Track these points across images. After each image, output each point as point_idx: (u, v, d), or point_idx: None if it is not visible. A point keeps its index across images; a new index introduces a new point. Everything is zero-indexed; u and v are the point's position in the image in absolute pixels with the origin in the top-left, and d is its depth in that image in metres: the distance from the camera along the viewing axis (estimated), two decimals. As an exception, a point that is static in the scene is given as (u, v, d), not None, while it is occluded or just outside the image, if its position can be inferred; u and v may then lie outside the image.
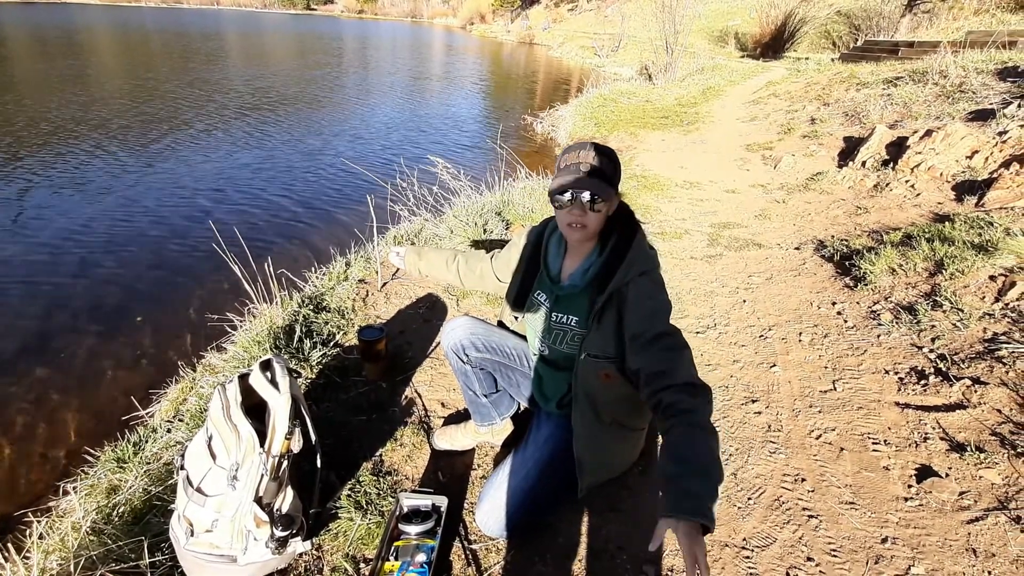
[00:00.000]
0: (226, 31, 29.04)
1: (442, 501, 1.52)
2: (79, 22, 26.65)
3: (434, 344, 2.43)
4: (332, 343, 2.35)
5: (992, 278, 2.44)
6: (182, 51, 17.64)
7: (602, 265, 1.32)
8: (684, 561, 0.86)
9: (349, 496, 1.59)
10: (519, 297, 1.50)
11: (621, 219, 1.33)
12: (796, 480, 1.69)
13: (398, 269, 3.15)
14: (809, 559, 1.43)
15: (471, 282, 1.74)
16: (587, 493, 1.48)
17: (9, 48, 15.65)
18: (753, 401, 2.07)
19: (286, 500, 1.33)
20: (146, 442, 2.01)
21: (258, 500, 1.26)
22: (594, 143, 1.26)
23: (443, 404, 2.07)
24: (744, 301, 2.84)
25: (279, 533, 1.28)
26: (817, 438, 1.86)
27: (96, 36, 21.19)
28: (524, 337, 1.63)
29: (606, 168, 1.23)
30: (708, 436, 1.02)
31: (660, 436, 1.09)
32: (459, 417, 1.97)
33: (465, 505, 1.62)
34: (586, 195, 1.21)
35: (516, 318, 1.55)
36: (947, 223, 3.09)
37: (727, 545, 1.48)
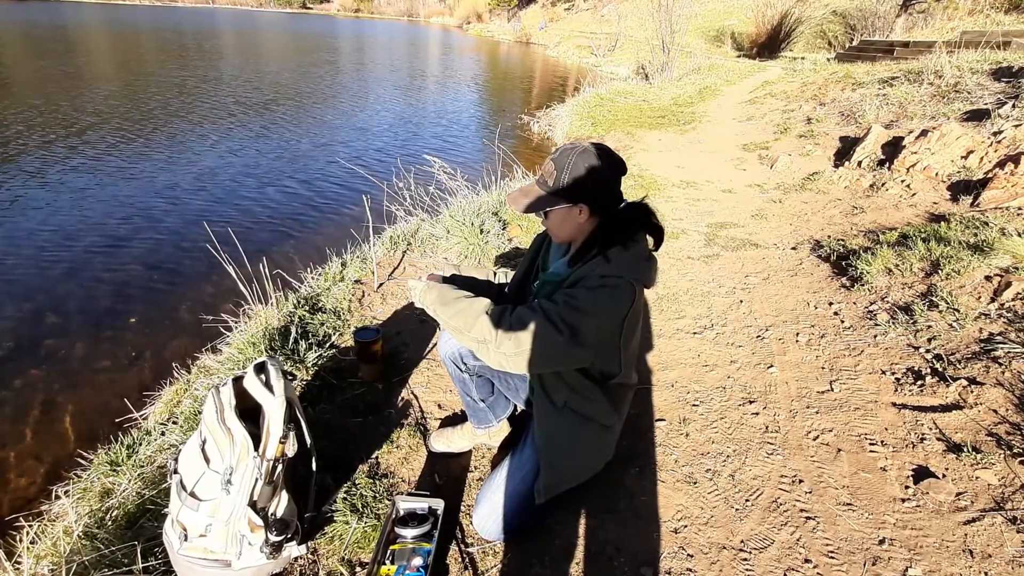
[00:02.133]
0: (222, 30, 28.92)
1: (439, 504, 1.51)
2: (74, 20, 26.47)
3: (431, 345, 2.42)
4: (328, 344, 2.33)
5: (988, 278, 2.44)
6: (177, 50, 17.55)
7: (588, 260, 1.31)
8: None
9: (345, 499, 1.58)
10: (520, 287, 1.54)
11: (620, 222, 1.31)
12: (794, 481, 1.69)
13: (394, 270, 3.14)
14: (807, 561, 1.43)
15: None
16: (545, 499, 1.43)
17: (4, 45, 15.53)
18: (751, 402, 2.06)
19: (281, 504, 1.32)
20: (140, 445, 1.99)
21: (252, 504, 1.25)
22: (573, 148, 1.25)
23: (440, 406, 2.06)
24: (741, 301, 2.84)
25: (274, 538, 1.27)
26: (815, 439, 1.86)
27: (91, 34, 21.05)
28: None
29: (550, 177, 1.27)
30: (485, 306, 1.25)
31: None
32: (456, 419, 1.97)
33: (462, 508, 1.61)
34: (517, 208, 1.31)
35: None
36: (943, 223, 3.10)
37: (724, 547, 1.48)
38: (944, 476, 1.63)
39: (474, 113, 10.90)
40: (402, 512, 1.49)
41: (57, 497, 1.84)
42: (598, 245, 1.29)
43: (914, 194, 3.89)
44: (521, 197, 1.31)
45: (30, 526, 1.51)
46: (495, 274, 1.74)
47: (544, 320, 1.19)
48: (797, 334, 2.49)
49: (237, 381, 1.34)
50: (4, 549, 1.42)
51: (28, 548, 1.41)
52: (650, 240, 1.34)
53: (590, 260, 1.28)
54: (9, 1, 36.08)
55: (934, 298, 2.43)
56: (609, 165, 1.25)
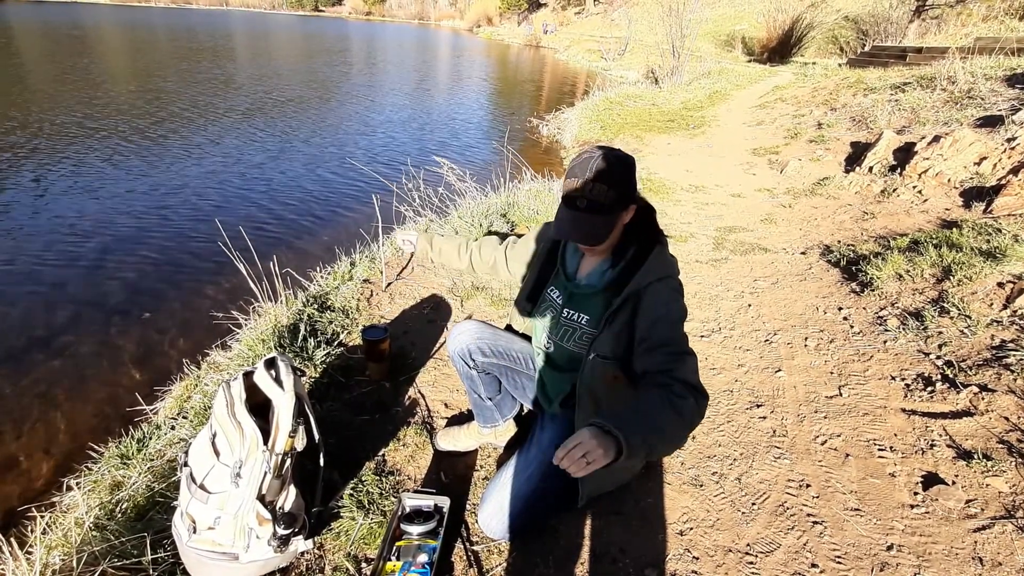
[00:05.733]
0: (235, 32, 29.23)
1: (444, 502, 1.51)
2: (89, 21, 26.86)
3: (438, 345, 2.43)
4: (336, 342, 2.35)
5: (1000, 285, 2.42)
6: (191, 51, 17.76)
7: (622, 269, 1.31)
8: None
9: (351, 495, 1.59)
10: (533, 293, 1.51)
11: (643, 224, 1.31)
12: (801, 486, 1.68)
13: (403, 269, 3.15)
14: (813, 565, 1.42)
15: (483, 271, 1.76)
16: (587, 501, 1.48)
17: (21, 45, 15.79)
18: (758, 406, 2.05)
19: (289, 498, 1.33)
20: (150, 439, 2.01)
21: (261, 498, 1.26)
22: (599, 157, 1.18)
23: (446, 405, 2.07)
24: (749, 305, 2.83)
25: (281, 531, 1.28)
26: (822, 444, 1.84)
27: (107, 35, 21.36)
28: (530, 339, 1.63)
29: (605, 198, 1.17)
30: (671, 406, 1.02)
31: None
32: (462, 418, 1.97)
33: (467, 506, 1.62)
34: (595, 243, 1.23)
35: (529, 312, 1.53)
36: (954, 229, 3.08)
37: (730, 550, 1.47)
38: (954, 483, 1.61)
39: (483, 115, 10.93)
40: (408, 509, 1.50)
41: (68, 489, 1.86)
42: (636, 242, 1.30)
43: (926, 200, 3.86)
44: (586, 233, 1.22)
45: (42, 516, 1.53)
46: (467, 244, 1.75)
47: (691, 357, 1.16)
48: (806, 339, 2.48)
49: (247, 376, 1.35)
50: (16, 539, 1.44)
51: (40, 538, 1.43)
52: None
53: (629, 260, 1.29)
54: (26, 2, 36.69)
55: (945, 304, 2.41)
56: (630, 160, 1.24)
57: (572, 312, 1.39)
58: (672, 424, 1.01)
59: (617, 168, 1.18)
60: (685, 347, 1.18)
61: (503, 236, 1.78)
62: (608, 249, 1.33)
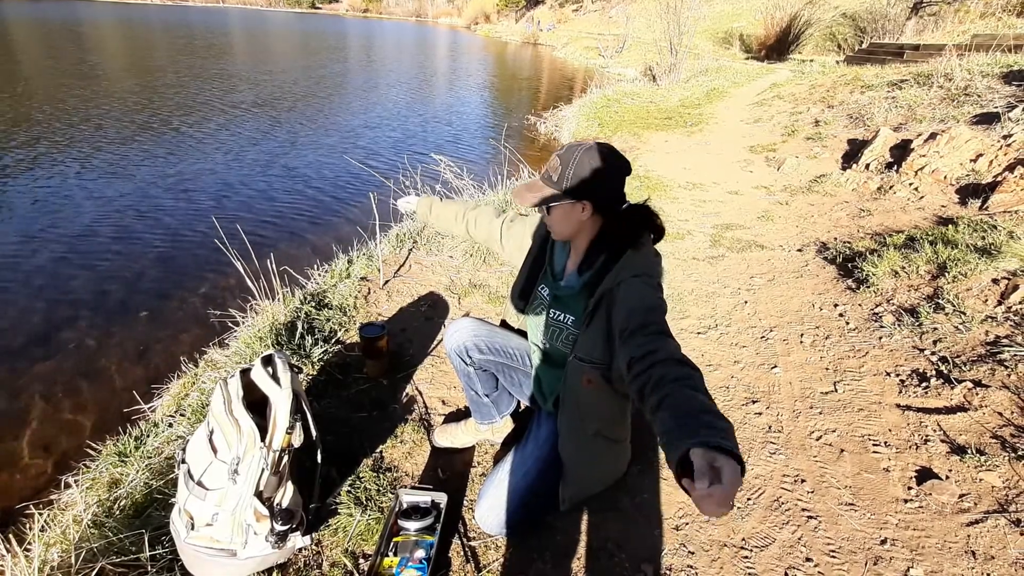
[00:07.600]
0: (233, 29, 29.13)
1: (442, 498, 1.52)
2: (89, 19, 26.72)
3: (435, 342, 2.44)
4: (333, 340, 2.35)
5: (995, 281, 2.43)
6: (189, 48, 17.69)
7: (596, 271, 1.31)
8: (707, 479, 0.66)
9: (349, 492, 1.59)
10: (525, 289, 1.51)
11: (625, 224, 1.31)
12: (796, 481, 1.69)
13: (400, 267, 3.16)
14: (808, 560, 1.43)
15: (479, 237, 1.77)
16: (570, 507, 1.49)
17: (27, 43, 15.71)
18: (753, 402, 2.06)
19: (286, 495, 1.34)
20: (148, 436, 2.02)
21: (258, 494, 1.27)
22: (580, 146, 1.23)
23: (443, 402, 2.08)
24: (746, 302, 2.84)
25: (279, 527, 1.29)
26: (817, 439, 1.85)
27: (104, 32, 21.26)
28: (526, 335, 1.63)
29: (555, 175, 1.24)
30: (708, 399, 0.87)
31: (650, 414, 0.90)
32: (459, 415, 1.98)
33: (465, 502, 1.62)
34: (522, 203, 1.29)
35: (522, 309, 1.54)
36: (950, 226, 3.09)
37: (725, 545, 1.48)
38: (947, 477, 1.62)
39: (481, 113, 10.92)
40: (405, 505, 1.51)
41: (67, 486, 1.86)
42: (606, 248, 1.29)
43: (922, 197, 3.87)
44: (526, 192, 1.30)
45: (40, 514, 1.53)
46: (464, 213, 1.75)
47: (673, 340, 1.10)
48: (801, 335, 2.49)
49: (245, 373, 1.36)
50: (15, 536, 1.44)
51: (38, 535, 1.44)
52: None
53: (601, 265, 1.29)
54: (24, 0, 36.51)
55: (940, 300, 2.42)
56: (614, 164, 1.23)
57: (558, 312, 1.41)
58: (716, 409, 0.85)
59: (582, 159, 1.21)
60: (666, 329, 1.11)
61: (503, 210, 1.79)
62: (569, 237, 1.35)
